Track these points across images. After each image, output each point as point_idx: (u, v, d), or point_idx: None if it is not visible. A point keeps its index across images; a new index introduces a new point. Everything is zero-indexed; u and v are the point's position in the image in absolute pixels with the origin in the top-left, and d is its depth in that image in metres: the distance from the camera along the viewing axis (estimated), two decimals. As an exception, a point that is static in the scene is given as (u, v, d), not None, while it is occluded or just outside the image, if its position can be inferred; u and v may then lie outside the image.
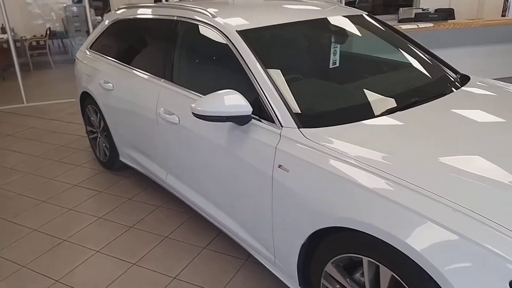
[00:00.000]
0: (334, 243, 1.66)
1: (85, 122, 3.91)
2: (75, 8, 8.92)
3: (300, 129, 1.84)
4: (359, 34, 2.72)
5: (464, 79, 2.51)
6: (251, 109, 1.94)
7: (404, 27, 4.87)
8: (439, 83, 2.41)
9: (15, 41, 8.19)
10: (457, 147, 1.69)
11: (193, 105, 1.96)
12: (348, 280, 1.67)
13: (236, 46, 2.17)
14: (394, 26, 2.98)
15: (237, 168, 2.06)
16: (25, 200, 3.31)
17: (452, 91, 2.27)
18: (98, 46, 3.61)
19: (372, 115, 1.93)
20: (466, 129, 1.84)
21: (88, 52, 3.71)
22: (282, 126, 1.88)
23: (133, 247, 2.65)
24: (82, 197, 3.30)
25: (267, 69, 2.05)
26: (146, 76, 2.82)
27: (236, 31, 2.23)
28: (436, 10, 7.57)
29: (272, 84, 1.98)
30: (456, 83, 2.41)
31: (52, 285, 2.34)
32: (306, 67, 2.36)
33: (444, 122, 1.90)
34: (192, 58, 2.64)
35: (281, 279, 2.04)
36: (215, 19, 2.37)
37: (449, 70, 2.61)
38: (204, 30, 2.44)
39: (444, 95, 2.20)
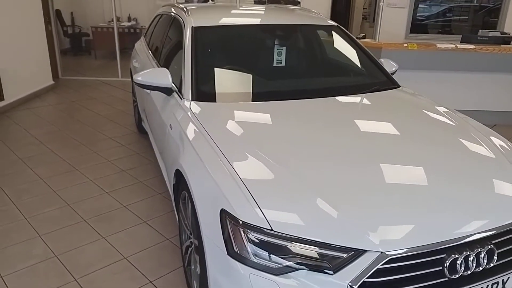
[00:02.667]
0: (180, 183, 2.25)
1: (132, 94, 4.97)
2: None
3: (192, 101, 2.45)
4: (312, 41, 3.15)
5: (391, 88, 2.81)
6: (171, 83, 2.59)
7: (439, 45, 4.88)
8: (350, 86, 2.76)
9: (135, 29, 9.99)
10: (283, 129, 2.13)
11: (134, 76, 2.70)
12: (185, 213, 2.24)
13: (186, 37, 2.85)
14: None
15: (161, 124, 2.75)
16: (71, 142, 4.45)
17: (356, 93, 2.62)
18: (146, 36, 4.60)
19: (254, 99, 2.44)
20: (308, 120, 2.25)
21: (141, 40, 4.74)
22: (183, 98, 2.51)
23: (114, 183, 3.52)
24: (108, 146, 4.32)
25: (196, 57, 2.68)
26: (150, 56, 3.67)
27: (192, 27, 2.90)
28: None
29: (191, 68, 2.61)
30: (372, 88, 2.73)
31: (51, 193, 3.33)
32: (231, 60, 2.89)
33: (303, 112, 2.31)
34: (169, 44, 3.38)
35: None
36: (187, 17, 3.07)
37: (383, 79, 2.90)
38: (179, 25, 3.15)
39: (346, 95, 2.58)
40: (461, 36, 5.72)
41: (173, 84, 2.62)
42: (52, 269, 2.42)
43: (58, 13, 9.24)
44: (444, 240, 1.53)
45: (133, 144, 4.41)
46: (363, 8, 9.24)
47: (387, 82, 2.89)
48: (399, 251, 1.48)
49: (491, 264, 1.61)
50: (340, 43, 3.17)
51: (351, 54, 3.13)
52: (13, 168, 3.76)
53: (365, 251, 1.47)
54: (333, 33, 3.20)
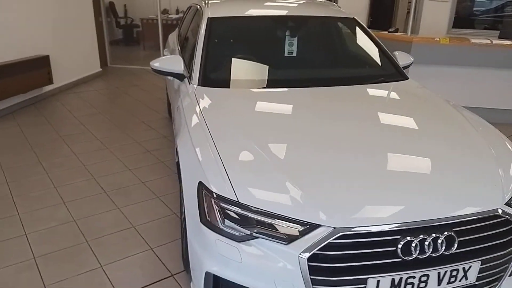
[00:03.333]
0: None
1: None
2: None
3: (199, 86, 2.63)
4: (325, 32, 3.23)
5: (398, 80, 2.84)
6: (182, 69, 2.79)
7: (473, 40, 4.71)
8: (355, 77, 2.82)
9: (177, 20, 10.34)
10: (275, 116, 2.25)
11: (151, 62, 2.93)
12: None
13: (202, 27, 3.03)
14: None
15: (174, 107, 2.97)
16: (107, 124, 4.82)
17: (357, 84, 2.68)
18: (179, 27, 4.86)
19: (255, 86, 2.59)
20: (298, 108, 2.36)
21: (176, 31, 5.01)
22: (191, 83, 2.70)
23: (138, 161, 3.81)
24: (140, 129, 4.65)
25: (208, 45, 2.86)
26: (177, 46, 3.91)
27: (208, 17, 3.08)
28: None
29: (201, 55, 2.79)
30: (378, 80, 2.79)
31: (81, 167, 3.68)
32: (241, 49, 3.04)
33: (299, 101, 2.42)
34: (191, 34, 3.59)
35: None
36: (206, 8, 3.26)
37: (391, 70, 2.92)
38: (200, 15, 3.35)
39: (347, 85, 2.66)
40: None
41: (186, 70, 2.83)
42: (69, 232, 2.72)
43: (111, 5, 9.84)
44: (399, 223, 1.59)
45: (162, 128, 4.71)
46: (408, 2, 8.98)
47: (395, 74, 2.91)
48: (351, 229, 1.57)
49: (450, 251, 1.65)
50: (353, 35, 3.22)
51: (364, 45, 3.17)
52: (53, 144, 4.17)
53: (319, 226, 1.58)
54: (348, 25, 3.25)
